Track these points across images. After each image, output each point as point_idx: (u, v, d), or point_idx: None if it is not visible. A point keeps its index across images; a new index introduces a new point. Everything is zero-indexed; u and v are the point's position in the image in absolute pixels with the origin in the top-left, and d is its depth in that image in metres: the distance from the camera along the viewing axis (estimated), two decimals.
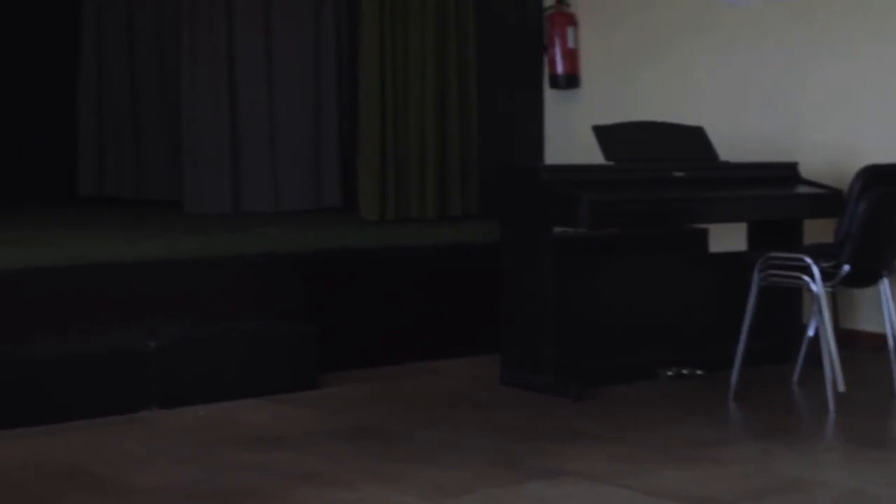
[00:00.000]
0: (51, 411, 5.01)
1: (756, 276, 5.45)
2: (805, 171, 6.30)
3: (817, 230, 6.23)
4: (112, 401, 5.17)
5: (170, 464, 4.49)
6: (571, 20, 7.72)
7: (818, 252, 5.35)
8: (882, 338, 5.67)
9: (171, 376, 5.33)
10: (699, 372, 5.90)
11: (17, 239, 6.32)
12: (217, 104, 8.27)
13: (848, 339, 6.28)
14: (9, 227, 7.10)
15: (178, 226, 7.14)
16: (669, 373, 5.86)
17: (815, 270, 5.25)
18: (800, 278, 5.32)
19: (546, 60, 7.85)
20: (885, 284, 5.51)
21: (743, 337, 5.50)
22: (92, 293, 5.56)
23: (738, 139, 6.78)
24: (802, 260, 5.29)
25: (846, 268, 5.23)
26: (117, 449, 4.71)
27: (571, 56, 7.77)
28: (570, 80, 7.78)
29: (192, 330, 5.61)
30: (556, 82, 7.82)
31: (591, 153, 6.06)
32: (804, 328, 5.69)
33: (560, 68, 7.77)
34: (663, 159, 6.07)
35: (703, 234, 6.84)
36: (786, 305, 6.17)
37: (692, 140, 6.24)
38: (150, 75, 9.21)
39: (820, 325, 5.33)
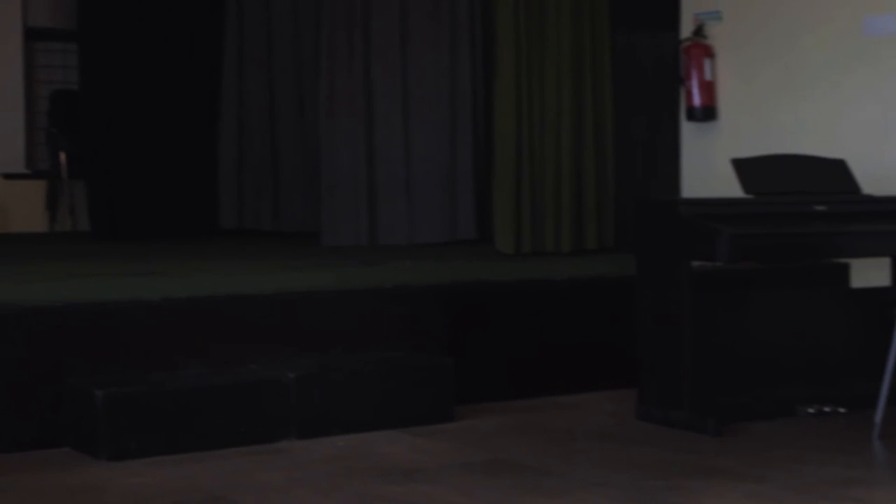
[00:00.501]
0: (193, 440, 5.10)
1: None
2: None
3: None
4: (252, 430, 5.25)
5: (309, 494, 4.53)
6: (708, 52, 7.65)
7: None
8: None
9: (310, 407, 5.39)
10: (841, 410, 5.78)
11: (162, 270, 6.47)
12: (354, 137, 8.38)
13: None
14: (153, 259, 7.27)
15: (315, 258, 7.24)
16: (810, 410, 5.75)
17: None
18: None
19: (683, 93, 7.79)
20: None
21: (887, 374, 5.37)
22: (233, 324, 5.65)
23: (881, 172, 6.64)
24: None
25: None
26: (258, 478, 4.77)
27: (708, 88, 7.70)
28: (708, 113, 7.70)
29: (330, 361, 5.68)
30: (692, 114, 7.75)
31: (729, 186, 5.99)
32: None
33: (697, 100, 7.70)
34: (804, 192, 5.97)
35: (845, 269, 6.70)
36: None
37: (833, 173, 6.13)
38: (289, 110, 9.37)
39: None
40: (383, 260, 7.00)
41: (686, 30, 7.70)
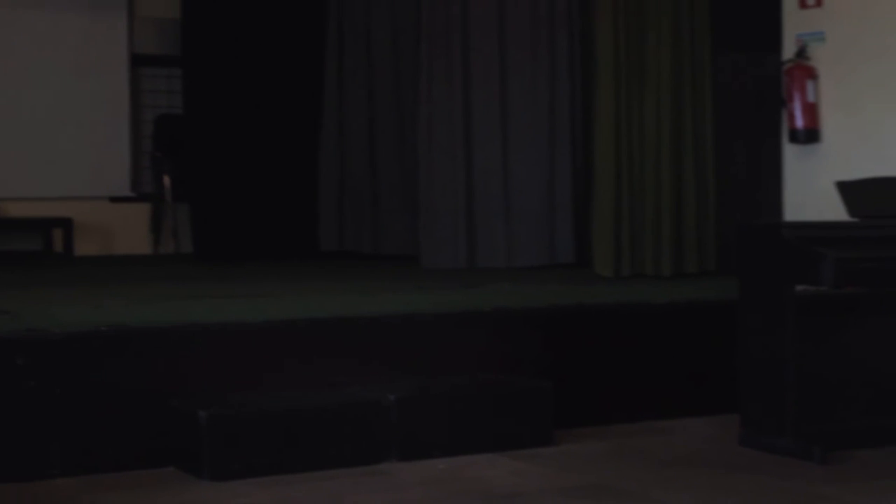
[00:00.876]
0: (294, 461, 5.14)
1: None
2: None
3: None
4: (353, 452, 5.27)
5: None
6: (811, 73, 7.56)
7: None
8: None
9: (410, 429, 5.40)
10: None
11: (263, 293, 6.54)
12: (453, 161, 8.41)
13: None
14: (255, 282, 7.36)
15: (414, 281, 7.27)
16: None
17: None
18: None
19: (785, 115, 7.71)
20: None
21: None
22: (333, 346, 5.69)
23: None
24: None
25: None
26: (358, 500, 4.79)
27: (811, 110, 7.60)
28: (810, 135, 7.61)
29: (430, 384, 5.69)
30: (795, 137, 7.66)
31: (833, 209, 5.91)
32: None
33: (800, 123, 7.61)
34: None
35: None
36: None
37: None
38: (389, 133, 9.44)
39: None
40: (482, 283, 7.01)
41: (788, 51, 7.62)
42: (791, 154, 7.76)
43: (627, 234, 7.34)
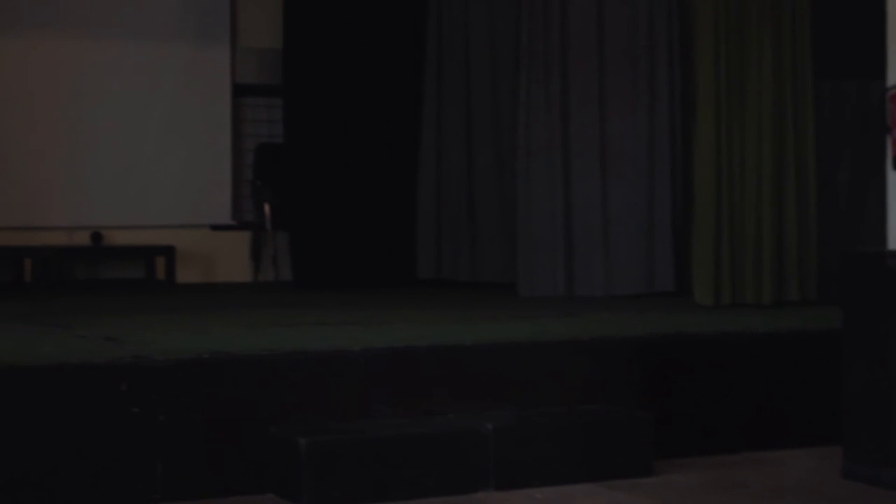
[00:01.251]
0: (392, 488, 5.15)
1: None
2: None
3: None
4: (450, 481, 5.26)
5: None
6: None
7: None
8: None
9: (508, 458, 5.39)
10: None
11: (362, 320, 6.58)
12: (551, 189, 8.40)
13: None
14: (353, 309, 7.41)
15: (512, 309, 7.26)
16: None
17: None
18: None
19: (889, 141, 7.58)
20: None
21: None
22: (431, 374, 5.70)
23: None
24: None
25: None
26: None
27: None
28: None
29: (528, 413, 5.67)
30: None
31: None
32: None
33: None
34: None
35: None
36: None
37: None
38: (487, 161, 9.47)
39: None
40: (580, 311, 6.98)
41: (894, 77, 7.51)
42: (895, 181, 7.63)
43: (727, 262, 7.27)
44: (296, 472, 5.04)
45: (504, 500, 5.23)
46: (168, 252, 9.78)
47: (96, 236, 9.73)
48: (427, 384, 5.66)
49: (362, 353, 5.56)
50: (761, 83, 7.45)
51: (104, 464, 4.91)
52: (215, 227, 10.18)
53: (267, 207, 9.88)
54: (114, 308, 7.72)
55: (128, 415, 4.95)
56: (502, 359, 5.84)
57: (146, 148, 9.91)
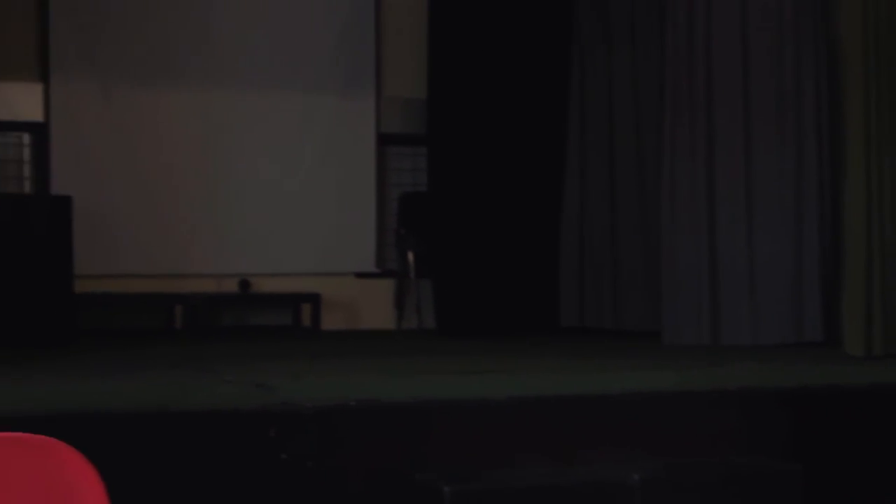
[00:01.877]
0: None
1: None
2: None
3: None
4: None
5: None
6: None
7: None
8: None
9: None
10: None
11: (506, 369, 6.59)
12: (696, 236, 8.33)
13: None
14: (497, 357, 7.42)
15: (657, 358, 7.19)
16: None
17: None
18: None
19: None
20: None
21: None
22: (575, 423, 5.66)
23: None
24: None
25: None
26: None
27: None
28: None
29: (674, 464, 5.59)
30: None
31: None
32: None
33: None
34: None
35: None
36: None
37: None
38: (630, 208, 9.42)
39: None
40: (727, 361, 6.88)
41: None
42: None
43: (879, 312, 7.10)
44: None
45: None
46: (314, 299, 9.91)
47: (244, 284, 9.91)
48: (572, 433, 5.62)
49: (507, 401, 5.56)
50: None
51: None
52: (360, 275, 10.29)
53: (410, 255, 9.95)
54: (262, 354, 7.85)
55: (276, 461, 5.01)
56: (648, 408, 5.78)
57: (293, 197, 10.07)
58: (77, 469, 2.70)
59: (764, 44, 8.34)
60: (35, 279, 8.12)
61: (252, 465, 4.98)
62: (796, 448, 5.86)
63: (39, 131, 9.55)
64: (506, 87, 9.57)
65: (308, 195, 10.09)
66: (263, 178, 10.00)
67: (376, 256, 10.32)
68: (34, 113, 9.49)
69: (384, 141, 10.36)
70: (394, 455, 5.28)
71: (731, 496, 5.48)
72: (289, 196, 10.05)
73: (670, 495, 5.37)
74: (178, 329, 9.60)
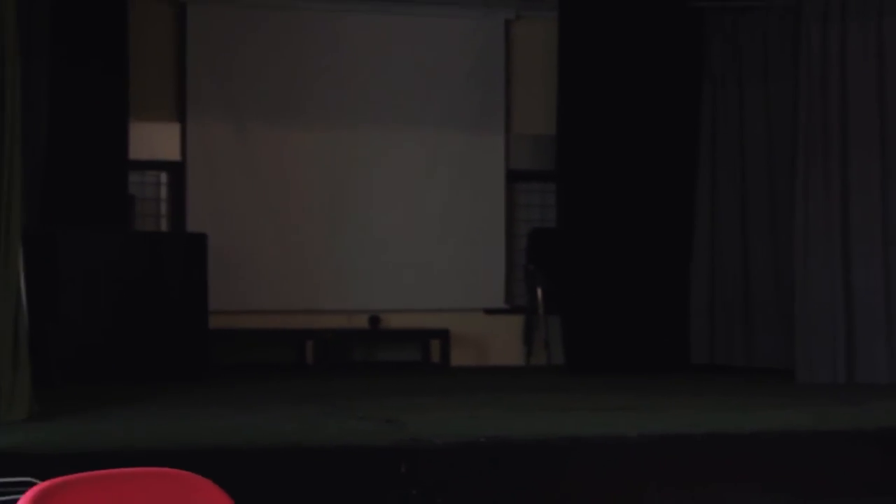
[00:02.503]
0: None
1: None
2: None
3: None
4: None
5: None
6: None
7: None
8: None
9: None
10: None
11: (635, 405, 6.54)
12: (830, 273, 8.20)
13: None
14: (626, 394, 7.37)
15: (790, 396, 7.08)
16: None
17: None
18: None
19: None
20: None
21: None
22: (708, 462, 5.59)
23: None
24: None
25: None
26: None
27: None
28: None
29: None
30: None
31: None
32: None
33: None
34: None
35: None
36: None
37: None
38: (761, 245, 9.32)
39: None
40: (863, 400, 6.74)
41: None
42: None
43: None
44: None
45: None
46: (443, 335, 9.95)
47: (374, 320, 10.00)
48: (704, 472, 5.55)
49: (638, 439, 5.52)
50: None
51: None
52: (489, 311, 10.31)
53: (539, 291, 9.95)
54: (392, 390, 7.90)
55: (407, 497, 5.04)
56: (782, 448, 5.69)
57: (422, 233, 10.15)
58: (216, 503, 2.75)
59: None
60: (171, 315, 8.29)
61: (383, 501, 5.01)
62: None
63: (176, 170, 9.79)
64: (636, 122, 9.54)
65: (437, 231, 10.15)
66: (394, 215, 10.09)
67: (505, 292, 10.34)
68: (172, 152, 9.74)
69: (513, 177, 10.40)
70: (524, 492, 5.27)
71: None
72: (418, 232, 10.13)
73: None
74: (309, 364, 9.72)
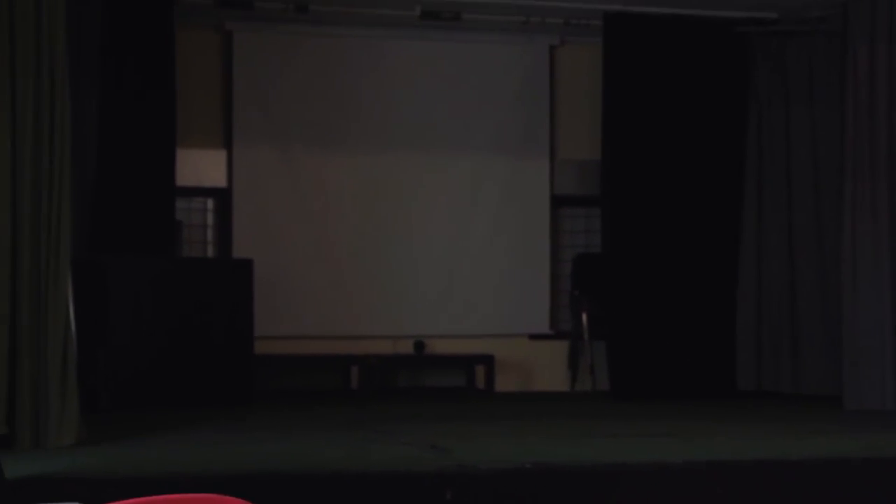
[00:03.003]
0: None
1: None
2: None
3: None
4: None
5: None
6: None
7: None
8: None
9: None
10: None
11: (681, 432, 6.50)
12: (879, 299, 8.13)
13: None
14: (672, 420, 7.34)
15: (839, 423, 7.02)
16: None
17: None
18: None
19: None
20: None
21: None
22: (755, 489, 5.55)
23: None
24: None
25: None
26: None
27: None
28: None
29: None
30: None
31: None
32: None
33: None
34: None
35: None
36: None
37: None
38: (808, 270, 9.28)
39: None
40: None
41: None
42: None
43: None
44: None
45: None
46: (487, 361, 9.94)
47: (419, 345, 10.00)
48: (751, 500, 5.51)
49: (684, 465, 5.49)
50: None
51: None
52: (533, 337, 10.30)
53: (585, 317, 9.92)
54: (436, 415, 7.90)
55: None
56: (831, 475, 5.64)
57: (467, 259, 10.15)
58: None
59: None
60: (217, 341, 8.33)
61: None
62: None
63: (222, 196, 9.85)
64: (681, 146, 9.52)
65: (482, 256, 10.15)
66: (438, 240, 10.10)
67: (550, 318, 10.32)
68: (218, 179, 9.81)
69: (558, 202, 10.39)
70: None
71: None
72: (463, 257, 10.13)
73: None
74: (354, 390, 9.73)
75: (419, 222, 10.09)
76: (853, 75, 8.41)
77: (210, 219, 9.93)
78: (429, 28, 9.94)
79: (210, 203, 9.92)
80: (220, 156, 9.81)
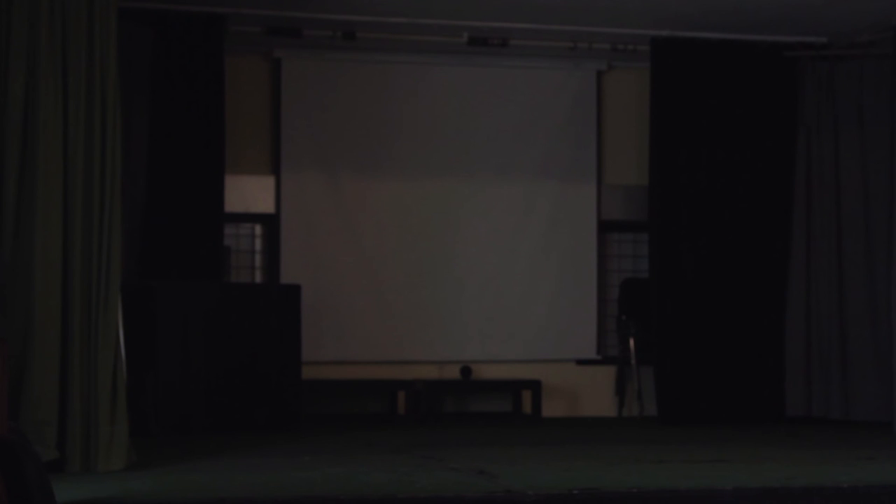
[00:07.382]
0: None
1: None
2: None
3: None
4: None
5: None
6: None
7: None
8: None
9: None
10: None
11: (730, 458, 6.46)
12: None
13: None
14: (720, 446, 7.29)
15: (890, 449, 6.95)
16: None
17: None
18: None
19: None
20: None
21: None
22: None
23: None
24: None
25: None
26: None
27: None
28: None
29: None
30: None
31: None
32: None
33: None
34: None
35: None
36: None
37: None
38: (858, 294, 9.23)
39: None
40: None
41: None
42: None
43: None
44: None
45: None
46: (534, 386, 9.92)
47: (466, 370, 10.00)
48: None
49: (734, 492, 5.45)
50: None
51: None
52: (580, 362, 10.27)
53: (632, 342, 9.89)
54: (483, 441, 7.89)
55: None
56: (883, 502, 5.58)
57: (514, 284, 10.14)
58: None
59: None
60: (265, 366, 8.38)
61: None
62: None
63: (270, 222, 9.91)
64: (729, 171, 9.50)
65: (529, 281, 10.15)
66: (485, 265, 10.11)
67: (597, 343, 10.30)
68: (266, 205, 9.86)
69: (605, 227, 10.38)
70: None
71: None
72: (510, 282, 10.13)
73: None
74: (400, 415, 9.74)
75: (466, 247, 10.10)
76: None
77: (258, 244, 9.99)
78: (476, 54, 9.97)
79: (258, 229, 9.98)
80: (268, 182, 9.87)
